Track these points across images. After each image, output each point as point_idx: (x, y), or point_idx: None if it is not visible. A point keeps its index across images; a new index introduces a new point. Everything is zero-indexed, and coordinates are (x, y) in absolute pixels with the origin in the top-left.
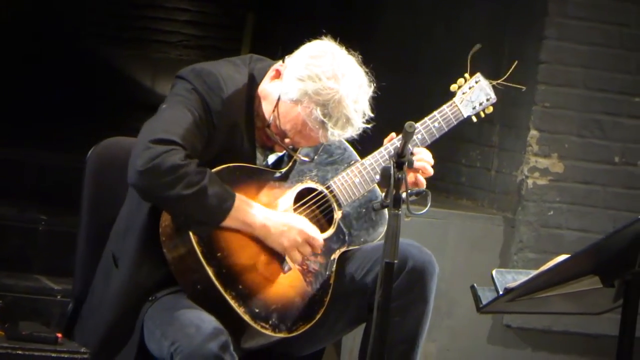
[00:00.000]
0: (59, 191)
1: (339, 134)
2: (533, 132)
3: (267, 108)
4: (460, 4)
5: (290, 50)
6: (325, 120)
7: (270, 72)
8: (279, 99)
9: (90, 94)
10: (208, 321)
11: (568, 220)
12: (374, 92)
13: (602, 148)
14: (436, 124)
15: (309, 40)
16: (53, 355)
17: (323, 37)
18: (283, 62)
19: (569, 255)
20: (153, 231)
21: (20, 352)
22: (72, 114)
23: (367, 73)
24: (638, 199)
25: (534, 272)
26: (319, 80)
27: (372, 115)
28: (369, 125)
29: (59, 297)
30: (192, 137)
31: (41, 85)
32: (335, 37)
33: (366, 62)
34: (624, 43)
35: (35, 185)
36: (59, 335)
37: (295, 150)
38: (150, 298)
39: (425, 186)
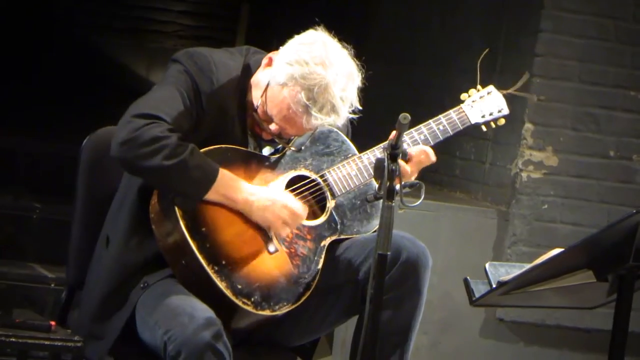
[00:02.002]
0: (53, 179)
1: (322, 119)
2: (528, 125)
3: (256, 94)
4: None
5: (285, 42)
6: (309, 104)
7: (264, 60)
8: (268, 85)
9: (85, 84)
10: (201, 310)
11: (562, 214)
12: (364, 82)
13: (596, 142)
14: (440, 127)
15: (304, 31)
16: (46, 342)
17: (317, 28)
18: (278, 50)
19: (562, 249)
20: (143, 210)
21: (13, 339)
22: (67, 103)
23: (358, 66)
24: (632, 193)
25: (527, 266)
26: (307, 65)
27: (359, 107)
28: (355, 116)
29: (52, 285)
30: (178, 115)
31: (35, 74)
32: (331, 29)
33: (362, 53)
34: (619, 36)
35: (30, 174)
36: (53, 323)
37: (283, 139)
38: (142, 285)
39: (434, 158)
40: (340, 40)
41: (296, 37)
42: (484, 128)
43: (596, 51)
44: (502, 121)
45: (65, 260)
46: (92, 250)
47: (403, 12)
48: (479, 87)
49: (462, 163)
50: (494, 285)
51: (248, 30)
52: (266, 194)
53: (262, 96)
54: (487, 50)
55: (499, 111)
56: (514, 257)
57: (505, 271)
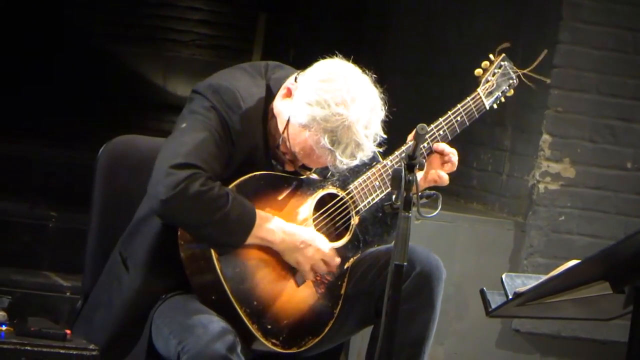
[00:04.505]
0: (70, 188)
1: (347, 162)
2: (545, 137)
3: (277, 126)
4: (473, 9)
5: (302, 53)
6: (332, 148)
7: (282, 90)
8: (288, 121)
9: (102, 92)
10: (216, 321)
11: (579, 226)
12: (387, 115)
13: (614, 153)
14: (459, 118)
15: (320, 56)
16: (62, 351)
17: (334, 56)
18: (295, 81)
19: (579, 261)
20: (166, 235)
21: (29, 348)
22: (83, 112)
23: (381, 93)
24: None
25: (544, 277)
26: (328, 107)
27: (384, 136)
28: (380, 149)
29: (68, 293)
30: (213, 159)
31: (51, 82)
32: (347, 40)
33: (379, 65)
34: (637, 48)
35: (46, 182)
36: (68, 331)
37: (306, 168)
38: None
39: (447, 182)
40: (355, 52)
41: (314, 68)
42: (495, 106)
43: (614, 63)
44: (511, 92)
45: (81, 269)
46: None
47: (420, 23)
48: (491, 56)
49: (479, 174)
50: (510, 297)
51: (265, 40)
52: (300, 235)
53: (283, 132)
54: (507, 44)
55: (509, 85)
56: (531, 269)
57: (521, 282)
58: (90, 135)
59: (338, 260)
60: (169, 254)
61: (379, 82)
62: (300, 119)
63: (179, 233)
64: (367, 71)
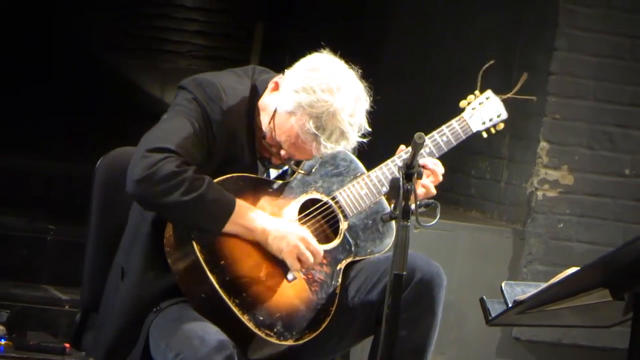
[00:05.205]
0: (67, 201)
1: (332, 147)
2: (543, 144)
3: (264, 119)
4: (471, 14)
5: (297, 61)
6: (317, 133)
7: (270, 85)
8: (275, 111)
9: (99, 103)
10: (213, 333)
11: (578, 233)
12: (372, 106)
13: (612, 160)
14: (444, 138)
15: (312, 52)
16: None
17: (323, 50)
18: (283, 74)
19: (578, 268)
20: (157, 241)
21: None
22: (80, 123)
23: (366, 87)
24: None
25: (543, 285)
26: (314, 93)
27: (369, 129)
28: (365, 140)
29: (67, 307)
30: (191, 146)
31: (48, 94)
32: (346, 46)
33: (377, 69)
34: (634, 55)
35: (44, 195)
36: (67, 345)
37: (293, 163)
38: (155, 308)
39: (435, 193)
40: (353, 57)
41: (302, 61)
42: (484, 135)
43: (611, 69)
44: (501, 126)
45: (80, 282)
46: (107, 272)
47: (418, 27)
48: (477, 92)
49: (477, 182)
50: (510, 305)
51: (262, 50)
52: (283, 225)
53: (269, 123)
54: (491, 61)
55: (498, 116)
56: (530, 276)
57: (521, 290)
58: (87, 147)
59: (322, 252)
60: (160, 257)
61: (378, 84)
62: (287, 106)
63: (164, 240)
64: (353, 66)
